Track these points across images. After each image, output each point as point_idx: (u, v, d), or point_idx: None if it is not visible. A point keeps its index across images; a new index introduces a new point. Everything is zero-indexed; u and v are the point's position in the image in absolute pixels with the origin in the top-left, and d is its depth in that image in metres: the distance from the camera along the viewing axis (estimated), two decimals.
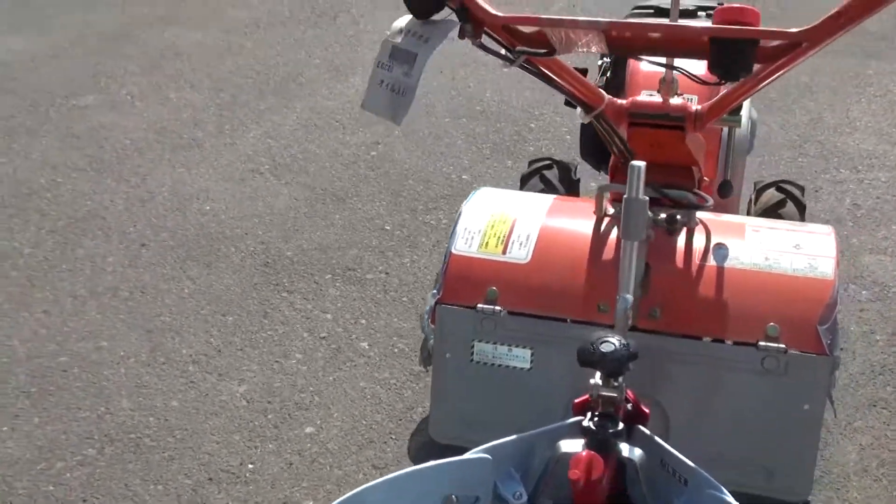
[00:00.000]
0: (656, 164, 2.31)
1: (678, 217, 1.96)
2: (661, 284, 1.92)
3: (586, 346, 1.58)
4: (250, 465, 2.52)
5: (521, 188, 2.86)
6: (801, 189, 2.82)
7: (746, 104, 2.90)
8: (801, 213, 2.72)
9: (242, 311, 3.13)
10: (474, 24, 1.70)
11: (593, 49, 1.75)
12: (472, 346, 2.06)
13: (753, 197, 2.83)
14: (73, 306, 3.15)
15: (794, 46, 1.69)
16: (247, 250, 3.47)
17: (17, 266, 3.38)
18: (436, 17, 1.68)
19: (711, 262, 1.94)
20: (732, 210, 2.64)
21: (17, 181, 3.94)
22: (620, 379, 1.55)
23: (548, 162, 2.86)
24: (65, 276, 3.33)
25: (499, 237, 2.14)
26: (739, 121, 2.17)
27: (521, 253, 2.12)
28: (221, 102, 4.62)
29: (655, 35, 1.74)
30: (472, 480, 1.51)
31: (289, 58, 5.15)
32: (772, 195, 2.74)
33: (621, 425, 1.54)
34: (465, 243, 2.12)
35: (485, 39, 1.76)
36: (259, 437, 2.61)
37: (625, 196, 1.68)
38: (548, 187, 2.77)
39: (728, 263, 1.92)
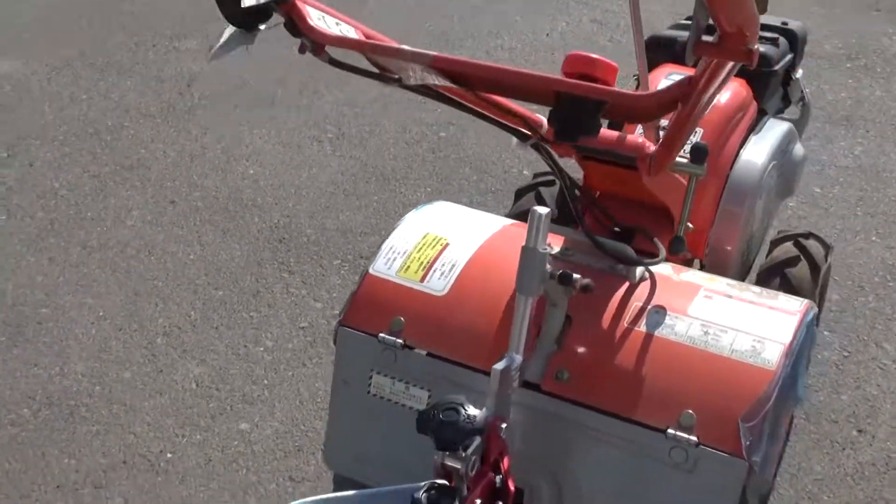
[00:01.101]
0: (622, 199, 2.09)
1: (574, 277, 1.67)
2: (577, 344, 1.69)
3: (428, 409, 1.47)
4: (169, 455, 2.43)
5: (514, 202, 2.60)
6: (827, 248, 2.41)
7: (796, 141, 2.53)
8: (816, 279, 2.32)
9: (235, 286, 3.03)
10: (310, 39, 1.48)
11: (435, 82, 1.48)
12: (371, 377, 1.89)
13: (769, 247, 2.45)
14: (79, 257, 3.16)
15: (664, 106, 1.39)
16: (269, 222, 3.37)
17: (46, 206, 3.42)
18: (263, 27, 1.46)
19: (641, 327, 1.69)
20: (727, 263, 2.30)
21: (86, 120, 4.00)
22: (469, 450, 1.43)
23: (551, 178, 2.57)
24: (86, 224, 3.34)
25: (422, 262, 1.93)
26: (702, 171, 1.81)
27: (439, 283, 1.92)
28: (311, 62, 4.50)
29: (487, 75, 1.46)
30: None
31: (398, 25, 4.97)
32: (786, 250, 2.36)
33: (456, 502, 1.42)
34: (385, 264, 1.94)
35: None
36: (190, 426, 2.51)
37: (522, 245, 1.51)
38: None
39: (659, 332, 1.67)
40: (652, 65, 2.32)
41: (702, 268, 2.33)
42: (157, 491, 2.34)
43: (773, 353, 1.59)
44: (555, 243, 1.84)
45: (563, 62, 1.58)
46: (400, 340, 1.79)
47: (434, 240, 1.93)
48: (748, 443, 1.52)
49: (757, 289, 1.80)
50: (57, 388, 2.62)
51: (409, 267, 1.91)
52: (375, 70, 1.56)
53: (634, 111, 1.51)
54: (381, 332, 1.80)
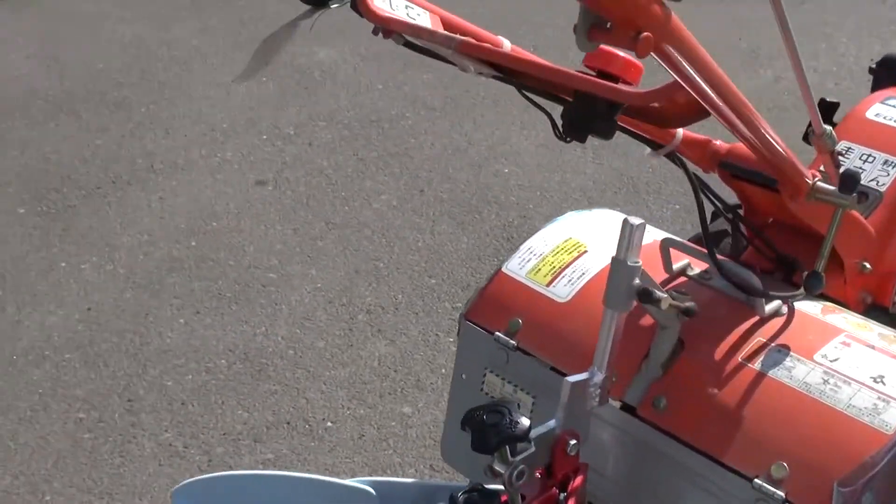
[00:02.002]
0: (788, 225, 1.91)
1: (657, 296, 1.51)
2: (682, 372, 1.59)
3: (476, 408, 1.44)
4: (329, 423, 2.52)
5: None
6: None
7: None
8: None
9: (448, 277, 3.07)
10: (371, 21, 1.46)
11: (479, 69, 1.43)
12: (485, 375, 1.88)
13: None
14: (319, 231, 3.35)
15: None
16: (503, 220, 3.37)
17: (309, 182, 3.66)
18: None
19: (756, 364, 1.54)
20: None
21: (373, 108, 4.23)
22: (517, 457, 1.41)
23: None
24: (337, 202, 3.53)
25: (553, 267, 1.88)
26: (847, 202, 1.59)
27: (564, 290, 1.86)
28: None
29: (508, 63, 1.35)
30: None
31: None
32: None
33: None
34: (519, 263, 1.91)
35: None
36: (358, 400, 2.60)
37: (613, 256, 1.46)
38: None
39: (773, 372, 1.52)
40: (881, 86, 2.14)
41: (889, 320, 2.01)
42: (306, 454, 2.42)
43: (892, 417, 1.39)
44: (699, 266, 1.75)
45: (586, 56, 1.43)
46: (513, 342, 1.74)
47: (574, 245, 1.86)
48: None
49: None
50: (256, 347, 2.79)
51: (539, 269, 1.85)
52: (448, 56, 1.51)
53: (647, 113, 1.35)
54: (499, 331, 1.76)
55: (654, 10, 1.09)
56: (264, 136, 3.97)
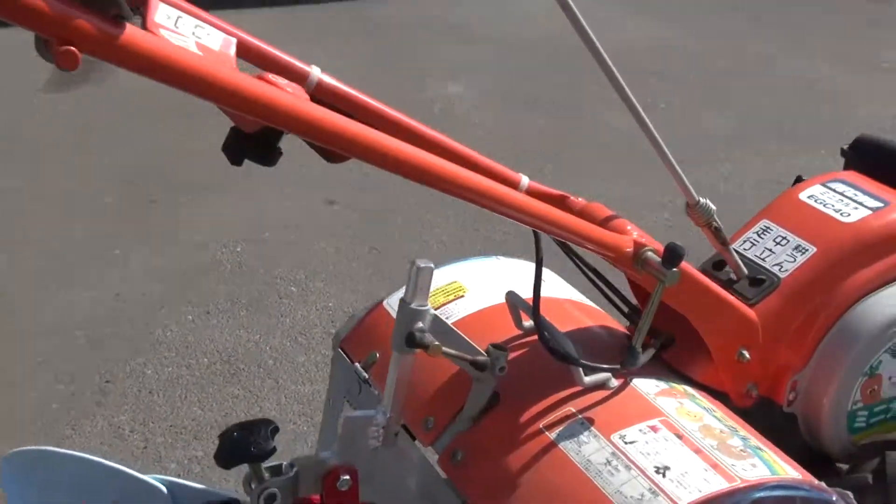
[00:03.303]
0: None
1: (426, 341, 1.52)
2: (486, 428, 1.58)
3: (239, 423, 1.53)
4: None
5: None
6: None
7: None
8: None
9: None
10: None
11: None
12: (344, 402, 1.95)
13: None
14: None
15: None
16: None
17: None
18: None
19: (552, 433, 1.53)
20: (820, 421, 1.85)
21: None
22: (273, 479, 1.49)
23: None
24: None
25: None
26: (666, 278, 1.53)
27: None
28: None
29: None
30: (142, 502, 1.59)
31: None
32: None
33: None
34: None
35: None
36: None
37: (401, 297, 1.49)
38: None
39: (563, 445, 1.51)
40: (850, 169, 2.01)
41: (774, 416, 1.82)
42: None
43: None
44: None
45: None
46: (365, 374, 1.77)
47: (455, 288, 1.89)
48: None
49: (740, 442, 1.50)
50: (242, 351, 2.88)
51: None
52: None
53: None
54: (358, 362, 1.80)
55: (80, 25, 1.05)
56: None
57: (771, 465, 1.52)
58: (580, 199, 1.77)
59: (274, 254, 3.40)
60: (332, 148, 1.28)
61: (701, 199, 1.75)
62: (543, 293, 1.69)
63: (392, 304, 1.91)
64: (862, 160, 2.04)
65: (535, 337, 1.70)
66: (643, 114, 1.65)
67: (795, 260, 1.84)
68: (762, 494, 1.45)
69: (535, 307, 1.63)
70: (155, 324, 3.01)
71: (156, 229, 3.55)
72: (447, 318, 1.79)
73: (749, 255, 1.89)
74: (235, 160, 1.29)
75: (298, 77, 1.54)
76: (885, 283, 1.81)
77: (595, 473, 1.47)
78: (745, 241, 1.93)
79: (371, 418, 1.60)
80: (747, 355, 1.74)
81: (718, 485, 1.43)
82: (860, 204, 1.89)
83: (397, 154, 1.32)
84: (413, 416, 1.68)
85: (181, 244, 3.46)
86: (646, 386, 1.63)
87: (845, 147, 2.10)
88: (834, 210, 1.89)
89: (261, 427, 1.59)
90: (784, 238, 1.88)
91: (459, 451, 1.58)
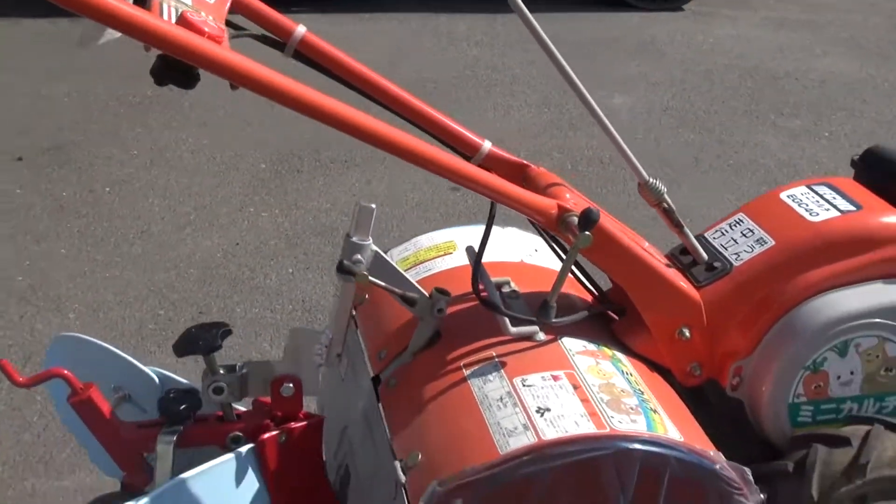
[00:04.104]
0: None
1: (353, 271, 1.66)
2: (420, 362, 1.76)
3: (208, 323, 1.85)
4: None
5: None
6: None
7: None
8: (853, 476, 1.69)
9: None
10: None
11: None
12: None
13: None
14: None
15: None
16: None
17: None
18: None
19: (468, 370, 1.68)
20: (760, 408, 1.86)
21: None
22: (222, 375, 1.77)
23: None
24: None
25: (417, 260, 2.25)
26: (579, 240, 1.65)
27: None
28: None
29: None
30: (141, 389, 1.90)
31: None
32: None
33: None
34: (400, 251, 2.29)
35: None
36: None
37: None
38: None
39: (472, 380, 1.66)
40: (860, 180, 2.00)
41: (719, 399, 1.84)
42: None
43: (517, 442, 1.47)
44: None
45: None
46: (353, 311, 1.93)
47: (447, 246, 2.07)
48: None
49: (636, 402, 1.59)
50: (217, 317, 3.10)
51: (408, 259, 2.11)
52: None
53: None
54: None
55: None
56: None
57: (654, 424, 1.57)
58: (541, 167, 1.88)
59: (384, 227, 3.63)
60: (230, 80, 1.44)
61: (651, 178, 1.81)
62: (530, 259, 1.81)
63: (392, 253, 2.10)
64: (869, 172, 2.00)
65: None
66: (592, 102, 1.75)
67: (753, 251, 1.85)
68: (630, 446, 1.50)
69: (475, 261, 1.77)
70: (259, 272, 3.32)
71: (291, 195, 3.88)
72: (429, 270, 1.98)
73: (715, 244, 1.92)
74: (159, 82, 1.50)
75: (285, 32, 1.78)
76: (841, 286, 1.78)
77: (486, 406, 1.58)
78: (716, 231, 1.96)
79: (316, 335, 1.78)
80: (688, 334, 1.78)
81: (586, 429, 1.51)
82: (833, 206, 1.87)
83: (303, 99, 1.48)
84: (373, 347, 1.87)
85: (308, 210, 3.77)
86: (571, 344, 1.73)
87: (856, 157, 2.06)
88: (805, 209, 1.88)
89: (214, 328, 1.82)
90: (751, 231, 1.89)
91: (393, 379, 1.76)
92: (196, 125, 4.44)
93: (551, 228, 1.72)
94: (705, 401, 1.91)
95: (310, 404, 1.88)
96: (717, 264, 1.86)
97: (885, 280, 1.77)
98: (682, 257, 1.92)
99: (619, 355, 1.78)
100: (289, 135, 4.38)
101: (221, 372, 1.84)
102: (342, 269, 1.66)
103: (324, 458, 1.93)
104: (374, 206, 1.65)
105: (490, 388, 1.65)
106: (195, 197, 3.85)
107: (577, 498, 1.54)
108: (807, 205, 1.89)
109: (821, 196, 1.91)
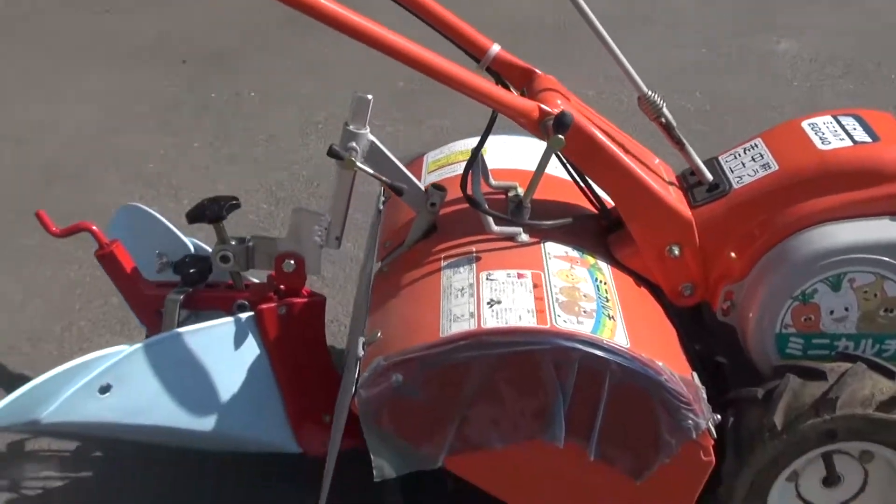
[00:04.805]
0: None
1: (339, 154, 1.76)
2: (412, 251, 1.85)
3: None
4: None
5: None
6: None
7: None
8: (820, 410, 1.66)
9: None
10: None
11: None
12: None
13: None
14: None
15: None
16: None
17: None
18: None
19: (443, 262, 1.77)
20: (746, 335, 1.84)
21: None
22: (231, 245, 1.90)
23: None
24: None
25: (447, 162, 2.34)
26: (553, 142, 1.71)
27: (430, 178, 2.19)
28: None
29: None
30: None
31: None
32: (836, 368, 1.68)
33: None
34: (435, 155, 2.41)
35: None
36: None
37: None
38: None
39: (442, 270, 1.74)
40: None
41: (713, 322, 1.82)
42: None
43: (459, 327, 1.56)
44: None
45: None
46: (381, 207, 2.21)
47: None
48: (368, 377, 1.56)
49: (593, 308, 1.61)
50: None
51: (439, 161, 2.24)
52: None
53: None
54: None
55: None
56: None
57: (601, 329, 1.57)
58: (549, 75, 1.87)
59: None
60: None
61: (649, 91, 1.77)
62: (550, 170, 1.82)
63: (429, 156, 2.15)
64: None
65: (493, 191, 1.88)
66: (592, 16, 1.72)
67: (756, 174, 1.79)
68: (567, 343, 1.52)
69: (469, 161, 1.80)
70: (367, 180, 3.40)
71: (420, 113, 3.94)
72: (454, 171, 2.03)
73: (725, 167, 1.87)
74: None
75: None
76: (842, 218, 1.69)
77: (446, 294, 1.65)
78: (730, 154, 1.91)
79: (317, 216, 1.88)
80: (677, 252, 1.75)
81: (528, 323, 1.52)
82: (848, 136, 1.76)
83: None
84: (383, 239, 1.96)
85: (430, 126, 3.83)
86: (552, 248, 1.75)
87: None
88: (819, 138, 1.79)
89: (223, 201, 1.94)
90: (761, 156, 1.83)
91: (386, 267, 1.86)
92: (351, 44, 4.57)
93: (533, 131, 1.71)
94: (704, 324, 1.86)
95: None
96: (717, 184, 1.80)
97: (892, 217, 1.66)
98: (689, 177, 1.87)
99: (602, 265, 1.76)
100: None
101: (233, 243, 1.95)
102: (331, 154, 1.74)
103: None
104: (370, 96, 1.72)
105: (456, 278, 1.69)
106: (329, 107, 3.98)
107: (515, 390, 1.56)
108: (823, 133, 1.79)
109: (841, 126, 1.79)
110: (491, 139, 2.10)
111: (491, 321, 1.56)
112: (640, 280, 1.80)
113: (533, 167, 1.93)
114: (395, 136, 3.76)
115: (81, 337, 2.60)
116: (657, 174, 1.81)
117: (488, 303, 1.60)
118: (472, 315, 1.58)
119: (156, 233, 2.19)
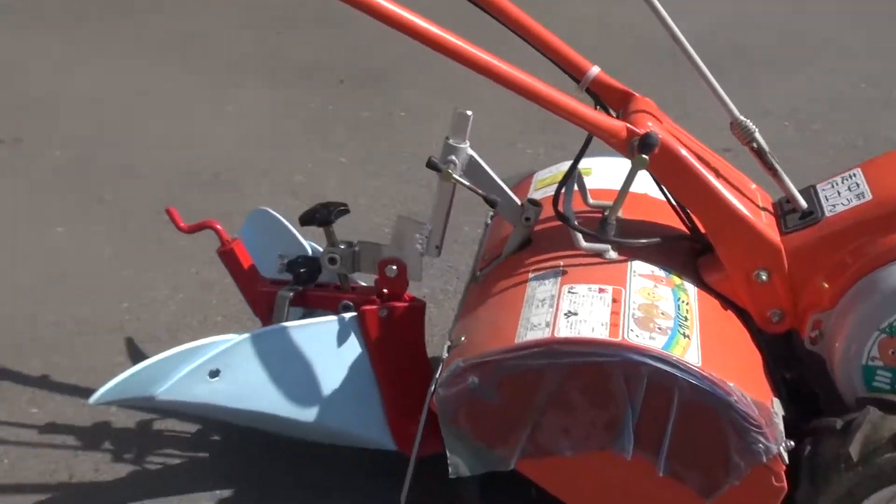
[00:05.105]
0: None
1: (439, 167, 1.89)
2: (506, 262, 1.94)
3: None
4: None
5: None
6: None
7: None
8: None
9: None
10: None
11: None
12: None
13: None
14: None
15: None
16: None
17: None
18: None
19: (531, 273, 1.84)
20: (834, 365, 1.83)
21: None
22: (338, 247, 2.02)
23: None
24: None
25: (553, 181, 2.32)
26: (636, 161, 1.80)
27: (537, 194, 2.28)
28: None
29: None
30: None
31: None
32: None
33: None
34: (545, 173, 2.41)
35: None
36: None
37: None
38: None
39: (531, 281, 1.81)
40: None
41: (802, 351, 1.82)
42: None
43: (533, 335, 1.62)
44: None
45: None
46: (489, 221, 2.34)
47: (585, 171, 2.14)
48: (446, 377, 1.65)
49: (670, 326, 1.63)
50: None
51: (545, 179, 2.30)
52: None
53: None
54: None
55: None
56: None
57: (673, 346, 1.60)
58: (646, 98, 1.91)
59: None
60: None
61: (741, 117, 1.78)
62: (656, 193, 1.94)
63: (538, 175, 2.23)
64: None
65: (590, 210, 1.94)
66: (684, 40, 1.76)
67: (849, 203, 1.78)
68: (636, 357, 1.57)
69: (563, 178, 1.87)
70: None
71: (557, 134, 3.98)
72: (562, 189, 2.02)
73: (821, 195, 1.87)
74: None
75: None
76: None
77: (528, 303, 1.72)
78: (828, 183, 1.91)
79: (419, 225, 1.98)
80: (765, 277, 1.75)
81: (598, 335, 1.58)
82: None
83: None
84: (483, 251, 2.04)
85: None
86: (639, 267, 1.80)
87: None
88: None
89: (334, 207, 2.06)
90: (857, 185, 1.83)
91: (481, 276, 1.97)
92: None
93: (621, 151, 1.75)
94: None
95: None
96: (810, 211, 1.80)
97: None
98: (785, 204, 1.87)
99: (688, 286, 1.78)
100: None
101: (342, 247, 2.07)
102: (430, 165, 1.84)
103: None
104: (469, 112, 1.81)
105: (540, 290, 1.75)
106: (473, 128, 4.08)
107: (586, 399, 1.60)
108: None
109: None
110: (601, 161, 2.16)
111: (564, 331, 1.61)
112: (728, 304, 1.80)
113: (639, 189, 1.97)
114: (535, 158, 3.83)
115: (215, 330, 2.78)
116: (750, 199, 1.81)
117: (565, 314, 1.65)
118: (547, 325, 1.63)
119: (281, 235, 2.35)
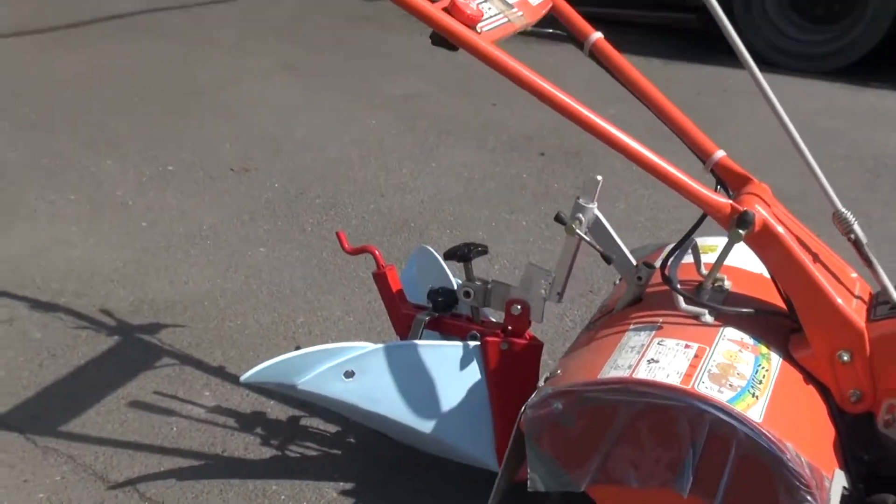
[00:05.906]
0: None
1: (563, 219, 2.13)
2: (618, 315, 2.14)
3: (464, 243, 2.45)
4: None
5: None
6: None
7: None
8: None
9: None
10: None
11: None
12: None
13: None
14: None
15: None
16: None
17: None
18: None
19: (631, 325, 2.04)
20: None
21: None
22: (474, 283, 2.31)
23: None
24: None
25: None
26: (733, 235, 1.98)
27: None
28: None
29: None
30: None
31: None
32: None
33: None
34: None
35: None
36: None
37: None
38: None
39: (629, 331, 2.00)
40: None
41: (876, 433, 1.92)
42: None
43: (616, 374, 1.81)
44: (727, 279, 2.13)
45: None
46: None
47: (711, 247, 2.29)
48: (536, 401, 1.86)
49: (741, 384, 1.78)
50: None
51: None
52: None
53: None
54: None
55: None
56: None
57: (738, 401, 1.76)
58: (763, 183, 2.06)
59: None
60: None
61: (843, 209, 1.90)
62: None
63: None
64: None
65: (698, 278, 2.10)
66: (792, 128, 1.92)
67: None
68: (701, 406, 1.74)
69: (674, 246, 2.05)
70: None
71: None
72: (683, 260, 2.21)
73: None
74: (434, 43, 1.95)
75: (582, 34, 2.19)
76: None
77: (620, 348, 1.92)
78: None
79: (544, 273, 2.22)
80: (846, 358, 1.86)
81: (671, 381, 1.76)
82: None
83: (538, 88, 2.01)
84: (602, 306, 2.24)
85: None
86: (731, 332, 1.96)
87: None
88: None
89: (474, 247, 2.32)
90: None
91: (594, 325, 2.18)
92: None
93: (723, 226, 1.91)
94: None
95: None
96: (889, 301, 1.88)
97: None
98: (880, 296, 1.96)
99: (773, 356, 1.90)
100: None
101: (478, 283, 2.33)
102: (557, 219, 2.07)
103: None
104: (600, 177, 2.03)
105: (634, 339, 1.93)
106: (653, 209, 4.26)
107: (653, 438, 1.77)
108: None
109: None
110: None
111: (643, 374, 1.78)
112: (812, 380, 1.90)
113: (755, 269, 2.10)
114: (680, 220, 3.94)
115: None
116: (845, 285, 1.92)
117: (648, 360, 1.82)
118: (629, 366, 1.81)
119: (434, 270, 2.63)
